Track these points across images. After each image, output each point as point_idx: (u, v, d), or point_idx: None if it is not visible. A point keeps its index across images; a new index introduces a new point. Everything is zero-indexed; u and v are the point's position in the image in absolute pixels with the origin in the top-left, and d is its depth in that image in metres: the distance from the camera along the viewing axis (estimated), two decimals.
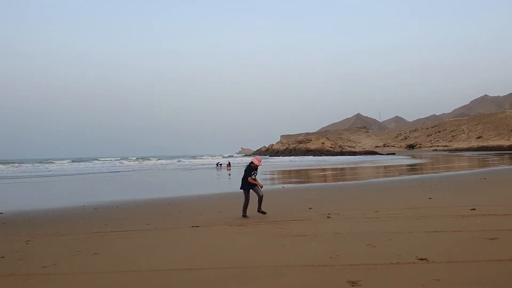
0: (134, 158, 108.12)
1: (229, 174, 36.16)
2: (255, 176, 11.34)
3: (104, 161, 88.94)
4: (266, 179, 27.41)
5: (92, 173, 44.21)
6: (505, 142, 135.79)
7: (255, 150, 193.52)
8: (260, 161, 11.45)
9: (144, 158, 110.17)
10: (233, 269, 5.78)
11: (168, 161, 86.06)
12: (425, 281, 4.77)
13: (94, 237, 8.98)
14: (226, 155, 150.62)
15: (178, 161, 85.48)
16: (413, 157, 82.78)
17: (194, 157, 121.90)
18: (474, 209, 10.21)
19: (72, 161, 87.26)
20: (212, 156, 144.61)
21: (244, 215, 11.04)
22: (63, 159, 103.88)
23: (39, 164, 70.16)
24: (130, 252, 7.28)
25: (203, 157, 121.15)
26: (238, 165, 57.43)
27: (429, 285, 4.62)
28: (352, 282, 4.86)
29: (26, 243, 8.45)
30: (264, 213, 11.07)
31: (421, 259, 5.77)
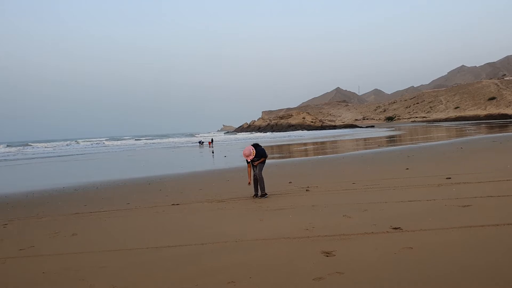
0: (108, 138, 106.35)
1: (212, 152, 36.11)
2: (256, 165, 10.40)
3: (82, 142, 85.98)
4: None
5: (72, 154, 43.68)
6: (481, 112, 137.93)
7: (237, 126, 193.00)
8: (247, 156, 10.34)
9: (120, 138, 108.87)
10: (211, 245, 5.83)
11: (149, 141, 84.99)
12: (397, 249, 4.89)
13: (73, 218, 8.94)
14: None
15: (158, 140, 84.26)
16: (392, 129, 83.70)
17: (169, 136, 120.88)
18: (450, 178, 10.43)
19: (46, 144, 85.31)
20: (196, 134, 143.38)
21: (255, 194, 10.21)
22: (37, 142, 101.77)
23: (18, 148, 68.89)
24: (109, 232, 7.27)
25: (183, 136, 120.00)
26: (223, 142, 57.32)
27: (401, 253, 4.74)
28: (326, 253, 4.95)
29: (4, 227, 8.38)
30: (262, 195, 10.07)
31: (395, 228, 5.90)
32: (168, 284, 4.28)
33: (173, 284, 4.29)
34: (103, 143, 75.53)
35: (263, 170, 10.78)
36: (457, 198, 7.85)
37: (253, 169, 10.55)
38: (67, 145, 72.55)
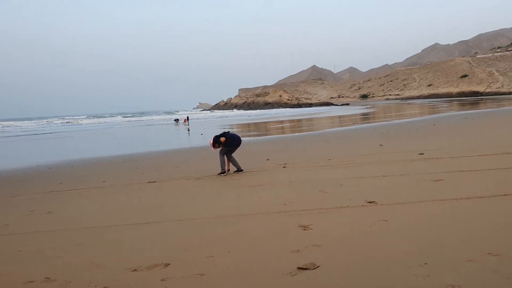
0: (85, 117, 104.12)
1: (188, 129, 35.89)
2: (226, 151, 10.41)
3: (52, 121, 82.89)
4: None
5: (45, 133, 42.81)
6: (454, 89, 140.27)
7: (213, 104, 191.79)
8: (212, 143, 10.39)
9: (98, 116, 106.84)
10: (189, 221, 5.85)
11: (125, 119, 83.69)
12: (372, 222, 5.00)
13: (48, 196, 8.82)
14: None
15: (134, 119, 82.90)
16: (366, 106, 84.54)
17: (148, 114, 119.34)
18: (423, 154, 10.64)
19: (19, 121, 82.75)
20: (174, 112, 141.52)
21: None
22: (7, 120, 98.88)
23: None
24: (85, 209, 7.22)
25: (160, 114, 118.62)
26: (198, 120, 57.01)
27: (376, 226, 4.85)
28: (303, 226, 5.03)
29: None
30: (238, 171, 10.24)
31: (370, 202, 6.02)
32: (147, 260, 4.29)
33: (152, 259, 4.31)
34: (78, 122, 73.24)
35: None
36: (430, 173, 8.02)
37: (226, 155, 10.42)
38: (45, 123, 70.31)
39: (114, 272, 4.02)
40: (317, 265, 3.76)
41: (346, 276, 3.52)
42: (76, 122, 73.01)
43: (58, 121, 76.36)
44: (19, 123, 73.12)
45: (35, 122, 75.81)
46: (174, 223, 5.79)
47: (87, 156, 16.51)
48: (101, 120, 79.42)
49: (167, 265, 4.10)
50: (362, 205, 5.90)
